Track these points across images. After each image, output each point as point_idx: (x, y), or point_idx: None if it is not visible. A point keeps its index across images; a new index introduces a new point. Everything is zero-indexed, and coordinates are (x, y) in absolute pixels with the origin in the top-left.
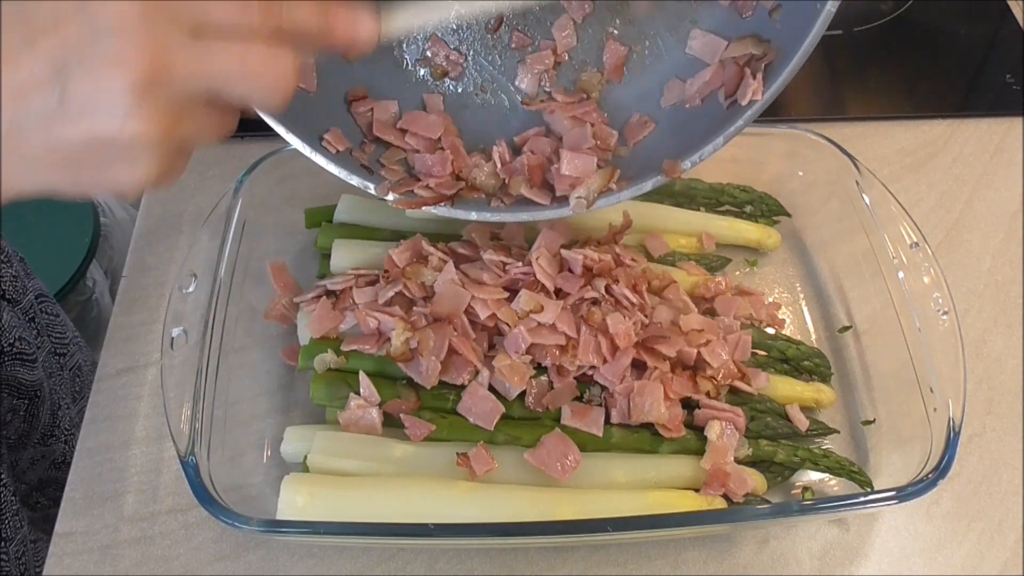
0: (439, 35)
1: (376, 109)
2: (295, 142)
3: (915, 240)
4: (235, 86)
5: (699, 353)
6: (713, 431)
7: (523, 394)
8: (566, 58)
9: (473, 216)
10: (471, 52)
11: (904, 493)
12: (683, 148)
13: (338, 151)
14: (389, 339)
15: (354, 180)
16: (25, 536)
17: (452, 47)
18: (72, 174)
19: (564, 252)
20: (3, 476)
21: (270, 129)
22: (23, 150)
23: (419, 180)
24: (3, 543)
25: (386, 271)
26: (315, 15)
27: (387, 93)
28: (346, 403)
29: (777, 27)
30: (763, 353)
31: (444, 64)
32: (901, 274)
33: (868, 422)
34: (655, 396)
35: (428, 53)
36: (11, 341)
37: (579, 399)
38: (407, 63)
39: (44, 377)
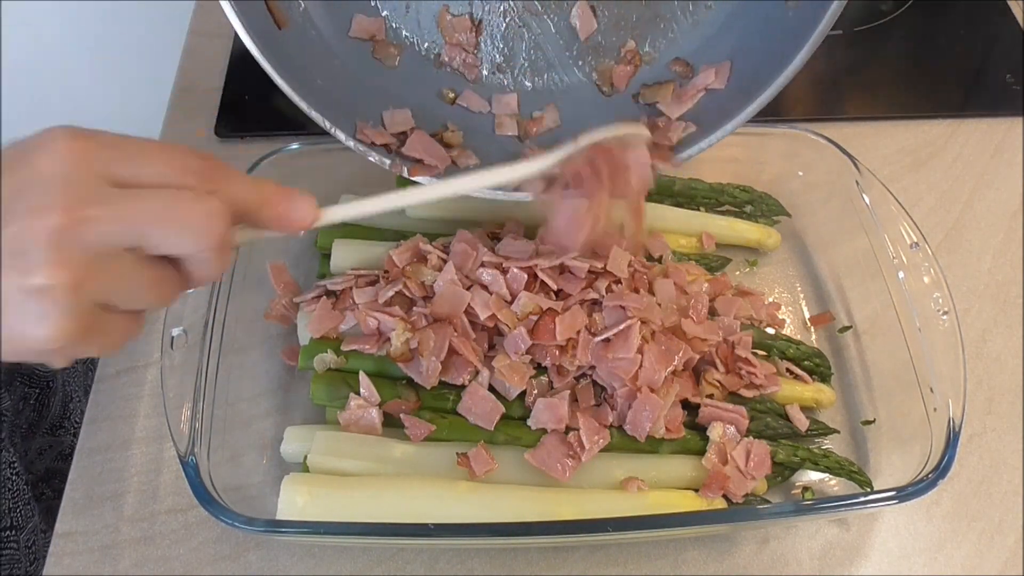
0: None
1: (395, 116)
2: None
3: (915, 240)
4: (162, 237)
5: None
6: (716, 432)
7: (523, 394)
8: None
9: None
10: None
11: (904, 493)
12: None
13: (372, 143)
14: (389, 339)
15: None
16: (36, 526)
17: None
18: None
19: (568, 262)
20: (16, 464)
21: (270, 129)
22: None
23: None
24: (13, 531)
25: (386, 271)
26: (253, 191)
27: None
28: (346, 403)
29: (789, 14)
30: (763, 353)
31: (461, 68)
32: (901, 274)
33: (868, 422)
34: (654, 411)
35: (444, 57)
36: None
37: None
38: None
39: (58, 368)
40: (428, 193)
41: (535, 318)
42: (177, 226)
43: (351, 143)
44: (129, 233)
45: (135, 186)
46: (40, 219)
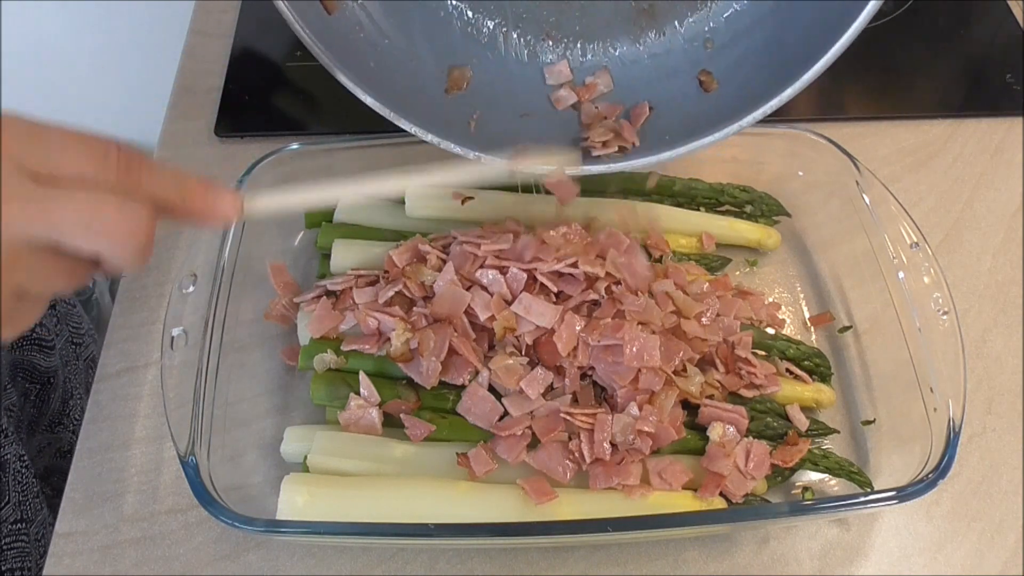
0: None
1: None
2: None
3: (915, 240)
4: (81, 238)
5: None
6: (716, 432)
7: None
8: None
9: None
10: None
11: (904, 493)
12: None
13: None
14: (389, 339)
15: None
16: (45, 519)
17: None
18: None
19: (565, 269)
20: (24, 457)
21: (270, 129)
22: None
23: None
24: (24, 524)
25: (386, 271)
26: (173, 186)
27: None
28: (346, 403)
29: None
30: (763, 353)
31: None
32: (901, 274)
33: (868, 422)
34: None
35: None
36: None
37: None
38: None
39: (60, 365)
40: (354, 189)
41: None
42: (99, 234)
43: (421, 133)
44: (48, 233)
45: (54, 180)
46: None
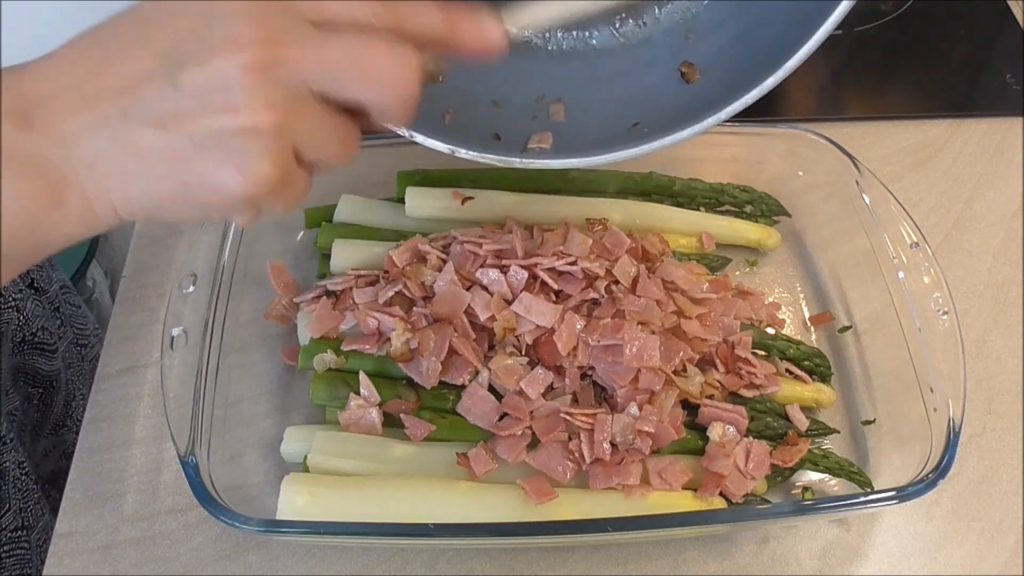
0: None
1: None
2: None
3: (915, 240)
4: (354, 83)
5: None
6: (716, 432)
7: None
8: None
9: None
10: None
11: (904, 493)
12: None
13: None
14: (389, 339)
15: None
16: (47, 524)
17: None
18: (180, 183)
19: (564, 267)
20: (24, 464)
21: None
22: (133, 151)
23: None
24: (25, 531)
25: (386, 271)
26: (440, 19)
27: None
28: (346, 403)
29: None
30: (763, 353)
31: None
32: (901, 274)
33: (868, 422)
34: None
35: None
36: (33, 331)
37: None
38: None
39: (62, 367)
40: None
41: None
42: (373, 73)
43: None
44: (326, 76)
45: (330, 26)
46: (239, 54)
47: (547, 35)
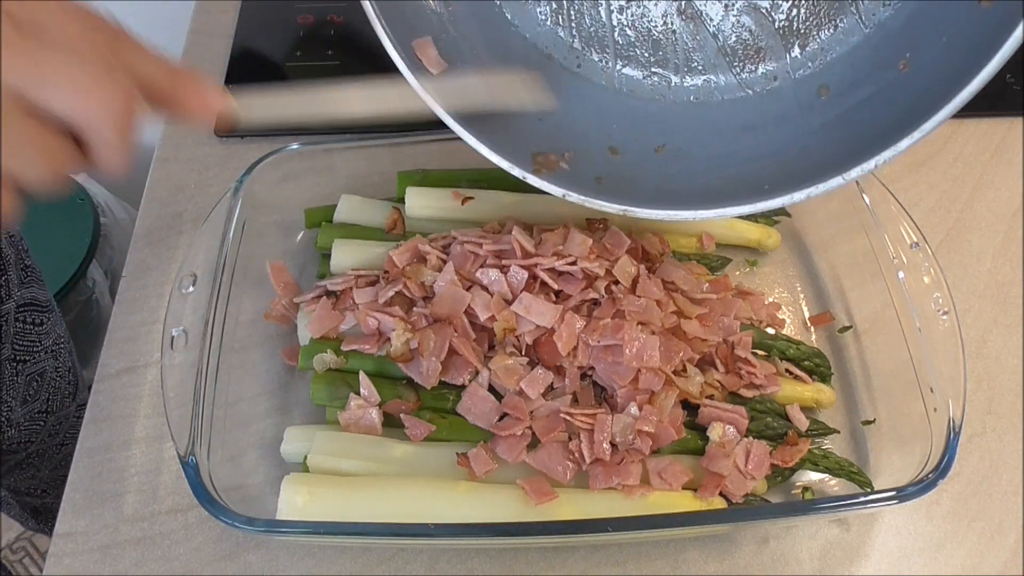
0: None
1: None
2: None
3: (915, 240)
4: (66, 97)
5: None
6: (716, 432)
7: None
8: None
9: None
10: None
11: (904, 493)
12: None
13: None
14: (389, 339)
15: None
16: None
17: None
18: None
19: (564, 267)
20: None
21: (269, 130)
22: None
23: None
24: None
25: (386, 271)
26: (165, 69)
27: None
28: (346, 403)
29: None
30: (763, 353)
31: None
32: (901, 274)
33: (868, 422)
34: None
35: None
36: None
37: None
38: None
39: None
40: (353, 96)
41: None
42: (85, 96)
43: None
44: (36, 87)
45: (47, 37)
46: None
47: (669, 81)
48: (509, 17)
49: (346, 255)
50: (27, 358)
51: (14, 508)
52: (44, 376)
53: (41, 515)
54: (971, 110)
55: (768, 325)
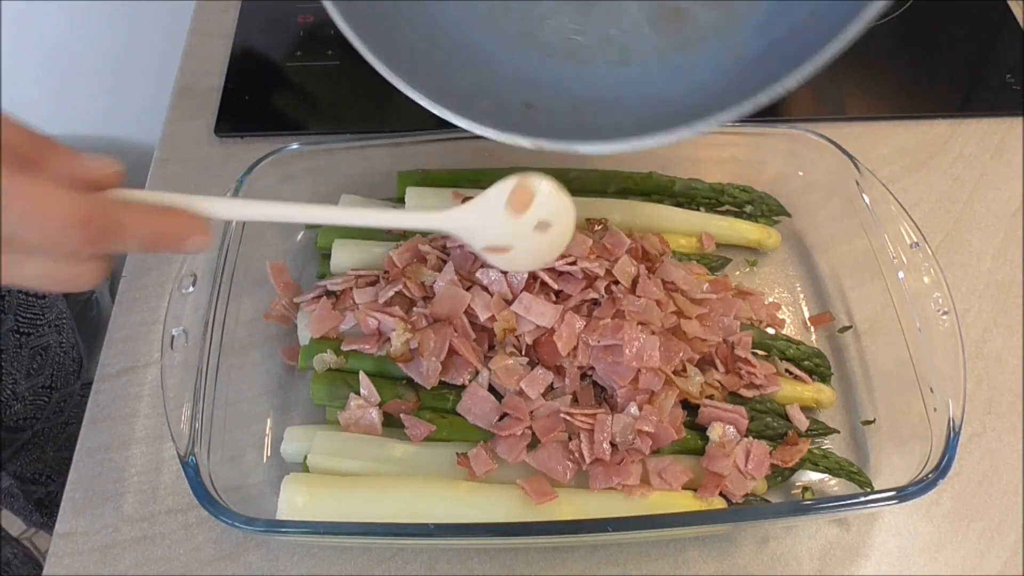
0: None
1: None
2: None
3: (915, 240)
4: (37, 288)
5: (703, 356)
6: (716, 432)
7: None
8: None
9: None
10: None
11: (904, 493)
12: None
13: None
14: (389, 339)
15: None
16: None
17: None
18: None
19: (564, 267)
20: None
21: (270, 129)
22: None
23: None
24: None
25: (386, 271)
26: (148, 237)
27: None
28: (346, 403)
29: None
30: (763, 353)
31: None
32: (901, 274)
33: (868, 422)
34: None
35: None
36: None
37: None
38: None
39: None
40: (328, 216)
41: (535, 320)
42: (55, 289)
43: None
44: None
45: (14, 245)
46: None
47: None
48: None
49: (346, 255)
50: (30, 331)
51: (18, 500)
52: (48, 350)
53: (45, 507)
54: (971, 110)
55: (768, 325)
